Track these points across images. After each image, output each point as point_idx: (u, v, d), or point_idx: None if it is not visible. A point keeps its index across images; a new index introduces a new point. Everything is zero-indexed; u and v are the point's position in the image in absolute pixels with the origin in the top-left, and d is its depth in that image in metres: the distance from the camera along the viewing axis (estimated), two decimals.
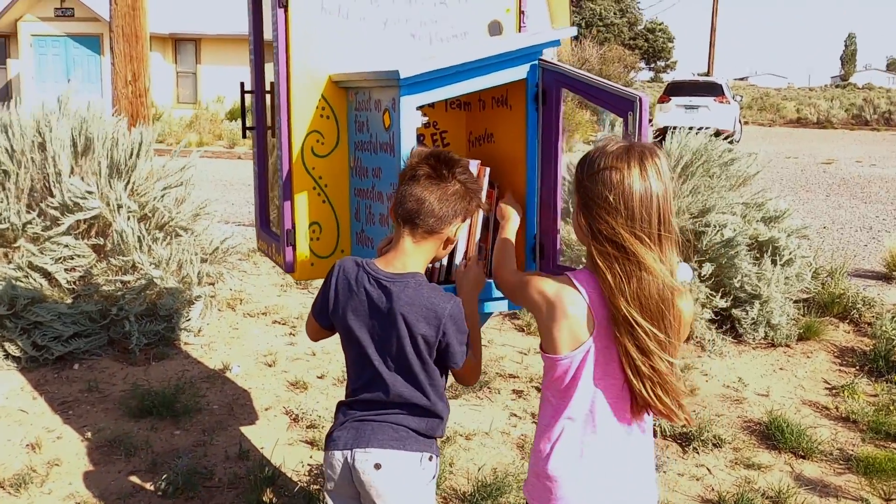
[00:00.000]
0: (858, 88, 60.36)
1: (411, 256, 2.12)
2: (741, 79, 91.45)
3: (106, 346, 5.09)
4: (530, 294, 1.89)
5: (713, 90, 22.16)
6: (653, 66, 63.72)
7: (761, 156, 6.74)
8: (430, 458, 2.20)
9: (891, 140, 25.83)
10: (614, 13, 56.73)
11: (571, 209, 2.12)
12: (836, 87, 67.87)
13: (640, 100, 1.87)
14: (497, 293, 2.35)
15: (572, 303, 1.82)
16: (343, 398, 2.29)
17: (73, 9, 24.44)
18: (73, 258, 5.09)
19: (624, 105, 1.93)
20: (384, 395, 2.15)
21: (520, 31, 2.77)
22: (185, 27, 25.02)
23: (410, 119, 2.22)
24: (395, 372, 2.14)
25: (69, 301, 5.04)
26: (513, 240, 2.33)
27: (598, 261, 1.79)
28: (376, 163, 2.40)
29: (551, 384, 1.89)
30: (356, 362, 2.20)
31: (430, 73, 2.19)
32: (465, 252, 2.45)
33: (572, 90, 2.17)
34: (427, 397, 2.16)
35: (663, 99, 22.26)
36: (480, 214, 2.46)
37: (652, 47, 60.01)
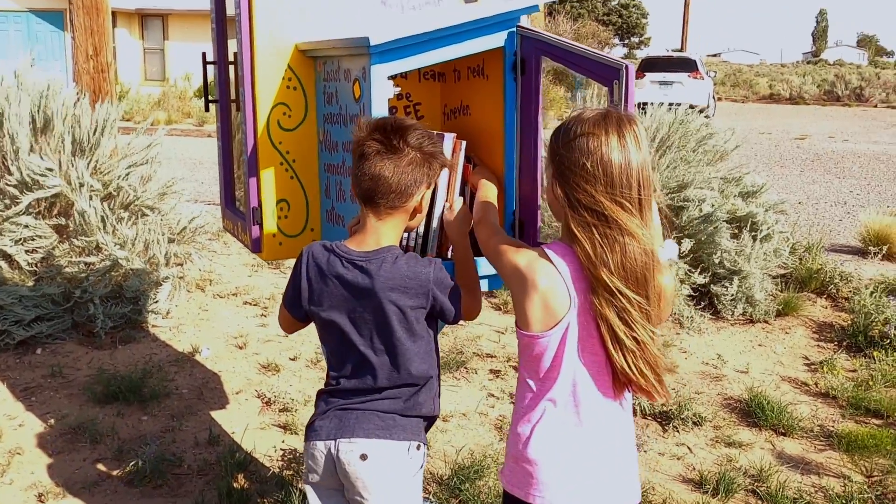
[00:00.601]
0: (830, 64, 60.74)
1: (382, 234, 2.04)
2: (714, 55, 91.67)
3: (70, 329, 4.93)
4: (502, 265, 1.83)
5: (687, 66, 22.17)
6: (627, 42, 63.61)
7: (725, 132, 6.67)
8: (418, 447, 2.11)
9: (862, 116, 26.02)
10: None
11: (545, 181, 2.01)
12: (808, 63, 68.27)
13: (627, 67, 1.76)
14: (482, 271, 2.25)
15: (544, 275, 1.74)
16: (322, 386, 2.19)
17: None
18: (33, 239, 4.91)
19: (609, 73, 1.82)
20: (372, 380, 2.06)
21: None
22: (152, 2, 24.48)
23: (382, 89, 2.09)
24: (383, 354, 2.05)
25: (31, 283, 4.87)
26: (493, 201, 2.22)
27: (577, 231, 1.72)
28: (346, 136, 2.28)
29: (529, 364, 1.80)
30: (338, 351, 2.10)
31: (403, 39, 2.06)
32: (446, 199, 2.34)
33: (553, 58, 2.06)
34: (416, 368, 2.07)
35: (638, 75, 22.21)
36: (457, 172, 2.34)
37: (626, 23, 59.86)
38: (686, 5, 37.46)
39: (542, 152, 2.22)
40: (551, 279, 1.73)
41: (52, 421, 3.97)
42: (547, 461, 1.79)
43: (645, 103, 12.51)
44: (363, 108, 2.14)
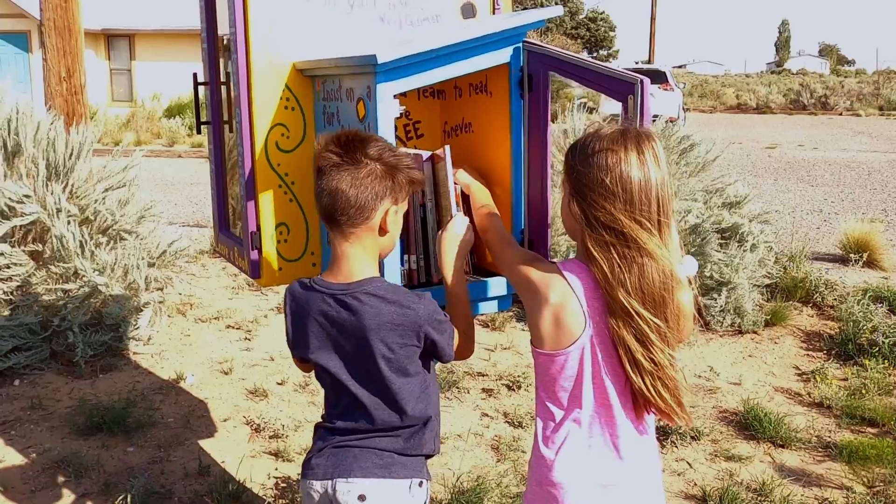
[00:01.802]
0: (793, 74, 61.77)
1: (354, 259, 1.89)
2: (680, 66, 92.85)
3: (48, 359, 4.78)
4: (515, 277, 1.79)
5: (657, 78, 22.34)
6: (595, 55, 64.20)
7: (707, 141, 6.68)
8: (420, 484, 1.99)
9: (829, 124, 26.42)
10: (556, 2, 56.89)
11: (558, 198, 1.96)
12: (772, 73, 69.36)
13: (642, 82, 1.71)
14: (490, 292, 2.18)
15: (556, 290, 1.69)
16: (317, 414, 2.09)
17: None
18: (9, 267, 4.76)
19: (623, 88, 1.78)
20: (367, 421, 1.94)
21: (494, 14, 2.59)
22: (118, 22, 24.21)
23: (388, 108, 2.03)
24: (374, 395, 1.93)
25: (6, 313, 4.72)
26: (493, 206, 2.15)
27: (594, 250, 1.67)
28: None
29: (546, 385, 1.75)
30: (331, 389, 2.00)
31: (409, 57, 2.00)
32: (439, 223, 2.26)
33: (563, 74, 2.01)
34: (412, 408, 1.95)
35: None
36: (450, 185, 2.25)
37: (594, 36, 60.37)
38: (653, 18, 37.91)
39: (551, 169, 2.17)
40: (563, 295, 1.69)
41: (34, 455, 3.83)
42: (573, 484, 1.74)
43: (618, 115, 12.60)
44: (368, 128, 2.07)
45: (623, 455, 1.76)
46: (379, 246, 1.93)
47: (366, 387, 1.92)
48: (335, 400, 1.99)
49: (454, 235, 2.05)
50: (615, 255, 1.65)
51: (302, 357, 1.99)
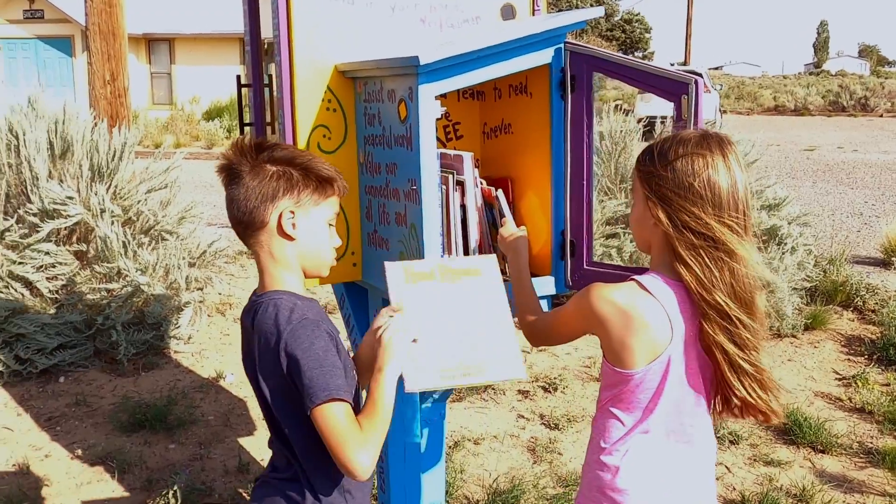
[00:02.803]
0: (832, 75, 60.80)
1: (265, 271, 1.75)
2: (716, 68, 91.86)
3: (92, 357, 4.88)
4: (595, 305, 1.68)
5: None
6: (630, 56, 63.77)
7: (745, 142, 6.61)
8: None
9: (868, 126, 25.98)
10: (591, 4, 56.73)
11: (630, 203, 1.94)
12: (810, 74, 68.34)
13: (696, 82, 1.71)
14: (538, 292, 2.18)
15: (649, 310, 1.65)
16: None
17: (42, 10, 23.95)
18: (54, 266, 4.87)
19: (676, 88, 1.77)
20: (276, 453, 1.79)
21: (533, 15, 2.60)
22: (158, 27, 24.60)
23: (430, 109, 2.05)
24: (270, 425, 1.77)
25: (52, 311, 4.82)
26: (527, 279, 2.11)
27: (685, 255, 1.64)
28: (391, 158, 2.23)
29: (620, 398, 1.72)
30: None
31: (451, 58, 2.02)
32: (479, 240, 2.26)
33: (608, 74, 2.01)
34: (301, 448, 1.71)
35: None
36: (473, 201, 2.22)
37: (629, 38, 60.04)
38: (689, 19, 37.58)
39: (595, 168, 2.17)
40: (656, 315, 1.66)
41: (79, 451, 3.91)
42: (638, 491, 1.73)
43: (654, 117, 12.49)
44: (409, 129, 2.10)
45: (689, 462, 1.75)
46: (296, 255, 1.75)
47: (264, 410, 1.75)
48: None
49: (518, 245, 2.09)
50: (706, 258, 1.63)
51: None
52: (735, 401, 1.69)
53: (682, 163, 1.64)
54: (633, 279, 1.71)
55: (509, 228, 2.19)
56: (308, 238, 1.75)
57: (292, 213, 1.71)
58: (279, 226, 1.71)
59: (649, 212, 1.69)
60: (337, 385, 1.60)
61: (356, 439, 1.59)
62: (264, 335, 1.67)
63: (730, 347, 1.63)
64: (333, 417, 1.59)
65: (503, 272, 2.14)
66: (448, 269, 1.89)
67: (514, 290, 2.10)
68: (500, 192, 2.29)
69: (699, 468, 1.79)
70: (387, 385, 1.68)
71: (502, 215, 2.25)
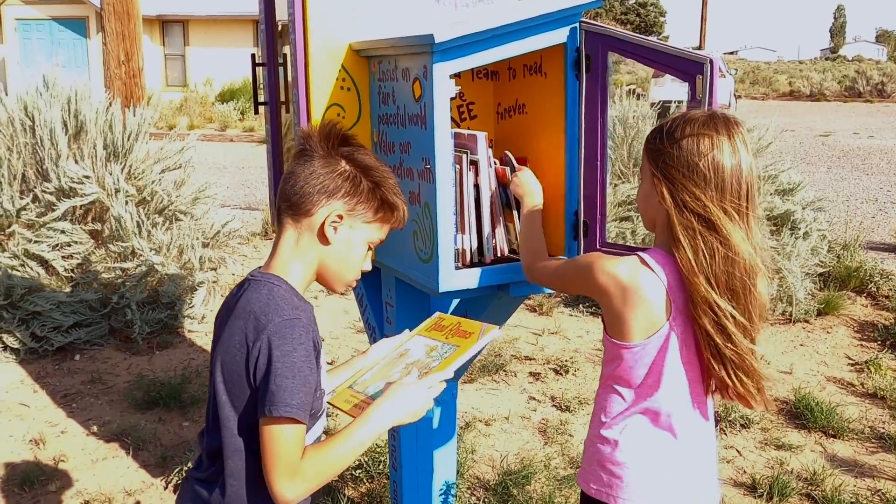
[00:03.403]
0: (848, 61, 60.17)
1: (278, 254, 1.66)
2: (731, 52, 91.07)
3: (107, 335, 4.93)
4: (596, 278, 1.71)
5: None
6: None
7: (760, 127, 6.57)
8: None
9: (885, 112, 25.73)
10: None
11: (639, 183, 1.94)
12: (826, 59, 67.67)
13: (711, 62, 1.70)
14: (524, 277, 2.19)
15: (649, 286, 1.67)
16: None
17: None
18: (70, 245, 4.91)
19: (691, 68, 1.77)
20: (202, 450, 1.67)
21: None
22: (172, 8, 24.59)
23: (444, 88, 2.04)
24: (209, 414, 1.64)
25: (68, 289, 4.86)
26: (538, 219, 2.16)
27: (681, 235, 1.65)
28: (405, 137, 2.23)
29: (619, 372, 1.74)
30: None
31: (466, 37, 2.01)
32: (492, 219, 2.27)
33: (623, 54, 2.00)
34: (228, 437, 1.58)
35: (658, 73, 22.03)
36: (487, 184, 2.24)
37: (644, 22, 59.57)
38: (704, 3, 37.23)
39: (609, 152, 2.17)
40: (656, 291, 1.67)
41: (94, 428, 3.96)
42: (636, 465, 1.75)
43: (668, 102, 12.41)
44: (424, 108, 2.10)
45: (685, 439, 1.77)
46: (319, 257, 1.66)
47: (208, 398, 1.65)
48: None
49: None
50: (700, 242, 1.64)
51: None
52: (716, 382, 1.71)
53: (689, 142, 1.64)
54: (636, 254, 1.72)
55: (526, 174, 2.24)
56: (342, 249, 1.67)
57: (340, 217, 1.64)
58: (323, 225, 1.63)
59: (654, 189, 1.70)
60: (300, 403, 1.50)
61: (293, 468, 1.50)
62: (246, 314, 1.56)
63: (712, 332, 1.64)
64: (282, 436, 1.50)
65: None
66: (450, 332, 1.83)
67: (524, 231, 2.13)
68: (507, 152, 2.32)
69: (700, 446, 1.80)
70: (370, 429, 1.59)
71: (514, 168, 2.29)
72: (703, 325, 1.64)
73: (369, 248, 1.72)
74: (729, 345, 1.64)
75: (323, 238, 1.64)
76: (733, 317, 1.63)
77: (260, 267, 1.69)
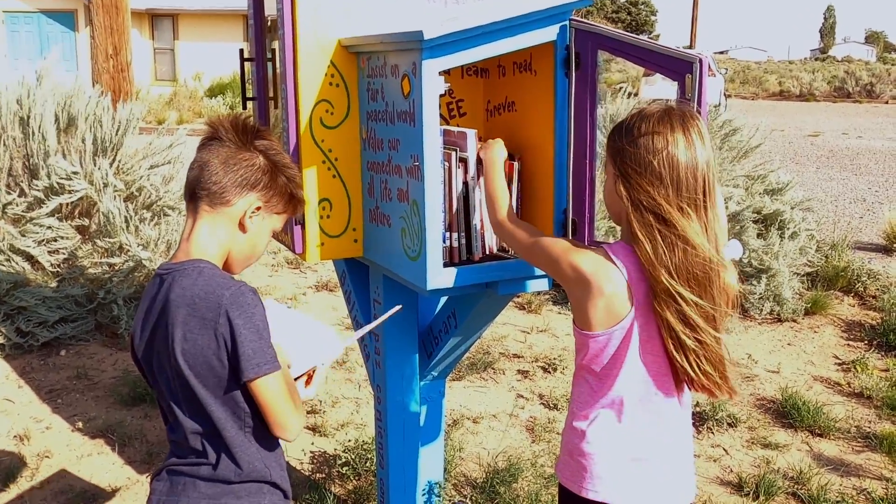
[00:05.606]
0: (838, 61, 60.44)
1: (195, 241, 1.71)
2: (721, 52, 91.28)
3: (93, 330, 4.90)
4: (562, 268, 1.76)
5: None
6: None
7: (749, 127, 6.59)
8: None
9: (874, 112, 25.85)
10: None
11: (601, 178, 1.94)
12: (816, 59, 67.94)
13: (701, 61, 1.70)
14: (537, 270, 2.18)
15: (609, 280, 1.69)
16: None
17: None
18: (56, 240, 4.87)
19: (680, 67, 1.76)
20: (184, 439, 1.70)
21: None
22: (162, 2, 24.46)
23: (433, 85, 2.03)
24: (183, 404, 1.68)
25: (54, 285, 4.83)
26: (502, 174, 2.12)
27: (639, 232, 1.67)
28: (393, 134, 2.22)
29: (586, 362, 1.77)
30: (158, 396, 1.77)
31: (455, 34, 2.00)
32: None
33: (613, 52, 2.00)
34: (230, 432, 1.67)
35: (649, 72, 22.08)
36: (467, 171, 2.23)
37: (635, 20, 59.65)
38: (695, 3, 37.28)
39: (598, 150, 2.16)
40: (617, 284, 1.69)
41: (80, 423, 3.93)
42: (601, 455, 1.77)
43: (658, 100, 12.42)
44: (412, 105, 2.08)
45: (656, 430, 1.78)
46: (234, 244, 1.75)
47: (174, 394, 1.68)
48: (162, 409, 1.77)
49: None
50: (658, 238, 1.65)
51: (133, 354, 1.77)
52: (679, 374, 1.73)
53: (644, 140, 1.66)
54: (602, 247, 1.75)
55: (497, 142, 2.21)
56: (254, 237, 1.77)
57: (258, 208, 1.74)
58: (244, 216, 1.73)
59: (615, 186, 1.73)
60: (272, 355, 1.63)
61: (292, 407, 1.66)
62: (189, 301, 1.61)
63: (676, 325, 1.66)
64: (272, 389, 1.62)
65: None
66: None
67: (488, 186, 2.11)
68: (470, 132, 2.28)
69: (670, 437, 1.81)
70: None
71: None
72: (665, 316, 1.67)
73: (271, 238, 1.86)
74: (692, 334, 1.66)
75: (241, 226, 1.74)
76: (697, 304, 1.65)
77: (170, 260, 1.74)
